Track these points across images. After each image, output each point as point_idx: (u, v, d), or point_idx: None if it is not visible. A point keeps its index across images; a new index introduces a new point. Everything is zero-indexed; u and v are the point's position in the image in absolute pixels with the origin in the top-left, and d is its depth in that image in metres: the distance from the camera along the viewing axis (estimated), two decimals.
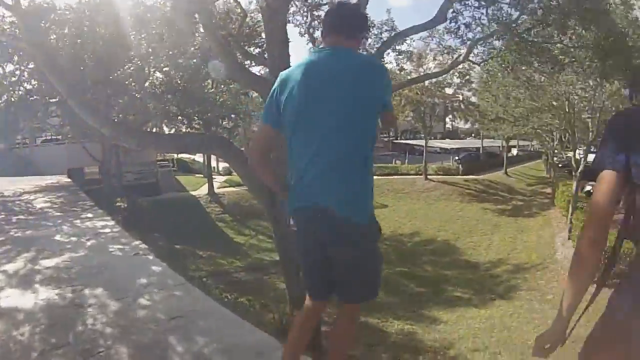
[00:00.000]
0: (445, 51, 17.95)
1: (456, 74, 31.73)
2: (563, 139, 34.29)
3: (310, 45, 16.40)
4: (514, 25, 13.47)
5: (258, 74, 9.09)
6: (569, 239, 21.76)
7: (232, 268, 15.42)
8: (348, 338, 2.97)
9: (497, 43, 15.37)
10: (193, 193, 27.94)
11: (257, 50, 17.37)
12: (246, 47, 15.78)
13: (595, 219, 1.77)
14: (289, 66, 3.05)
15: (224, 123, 27.39)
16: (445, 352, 11.48)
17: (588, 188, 30.89)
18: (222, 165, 33.25)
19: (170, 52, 17.27)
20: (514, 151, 56.00)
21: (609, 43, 13.21)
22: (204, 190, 30.27)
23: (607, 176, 1.69)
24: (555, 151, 34.68)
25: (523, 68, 17.82)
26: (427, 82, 34.86)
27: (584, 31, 13.24)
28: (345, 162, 2.37)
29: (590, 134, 22.99)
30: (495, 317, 14.37)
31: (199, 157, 41.41)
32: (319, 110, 2.38)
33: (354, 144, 2.39)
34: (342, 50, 2.51)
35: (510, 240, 24.69)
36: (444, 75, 33.55)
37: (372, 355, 10.67)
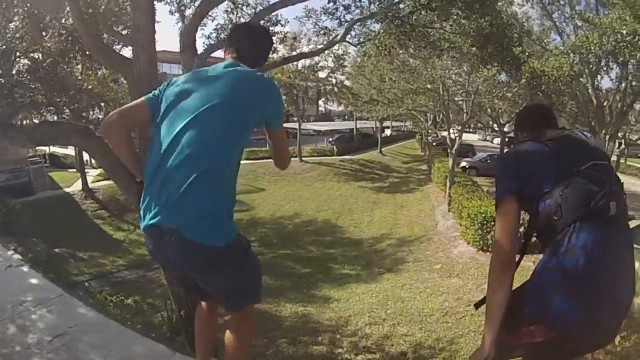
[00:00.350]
0: (322, 32, 17.19)
1: (331, 55, 31.64)
2: (437, 119, 35.53)
3: (181, 24, 14.85)
4: (395, 8, 13.06)
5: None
6: (448, 211, 22.19)
7: (114, 267, 14.19)
8: (242, 340, 2.74)
9: (376, 26, 15.08)
10: (67, 190, 25.40)
11: (127, 31, 15.71)
12: (114, 28, 14.05)
13: (499, 264, 2.18)
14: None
15: (93, 112, 25.70)
16: (343, 330, 10.85)
17: (463, 164, 32.32)
18: None
19: (34, 33, 15.45)
20: (388, 132, 57.63)
21: (490, 32, 13.30)
22: (78, 185, 27.53)
23: (510, 209, 2.22)
24: (430, 131, 35.82)
25: (401, 52, 17.70)
26: (300, 66, 34.63)
27: (466, 19, 13.07)
28: (197, 176, 2.09)
29: (465, 115, 23.61)
30: (387, 290, 13.97)
31: (70, 150, 38.51)
32: (186, 108, 2.22)
33: (213, 156, 2.15)
34: (238, 65, 2.40)
35: (391, 215, 24.72)
36: (317, 58, 33.62)
37: (270, 341, 9.74)
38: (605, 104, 14.27)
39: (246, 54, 2.49)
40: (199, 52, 9.78)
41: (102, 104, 24.11)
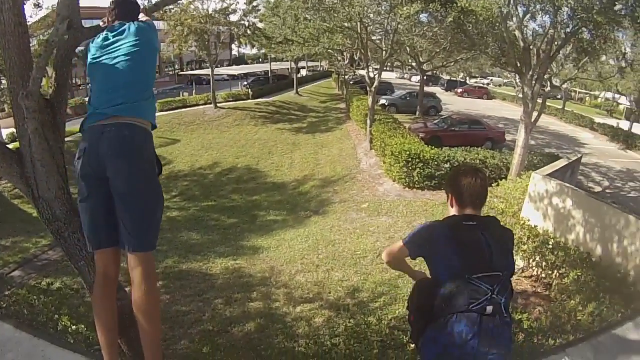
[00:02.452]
0: None
1: None
2: (355, 58, 35.08)
3: None
4: None
5: None
6: (370, 149, 22.07)
7: (39, 249, 13.06)
8: (152, 302, 2.72)
9: None
10: None
11: None
12: None
13: (389, 261, 3.16)
14: None
15: None
16: (277, 281, 10.61)
17: (383, 101, 32.30)
18: (6, 131, 28.28)
19: None
20: (303, 72, 56.88)
21: None
22: None
23: (402, 254, 2.96)
24: (347, 70, 35.47)
25: None
26: (211, 10, 33.04)
27: None
28: None
29: (384, 52, 23.11)
30: (316, 233, 13.75)
31: None
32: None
33: None
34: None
35: (312, 156, 24.40)
36: (229, 1, 32.36)
37: (205, 304, 9.51)
38: (531, 47, 14.23)
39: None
40: None
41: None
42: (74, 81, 46.34)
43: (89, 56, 3.22)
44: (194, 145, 28.46)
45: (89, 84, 3.28)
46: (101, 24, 3.56)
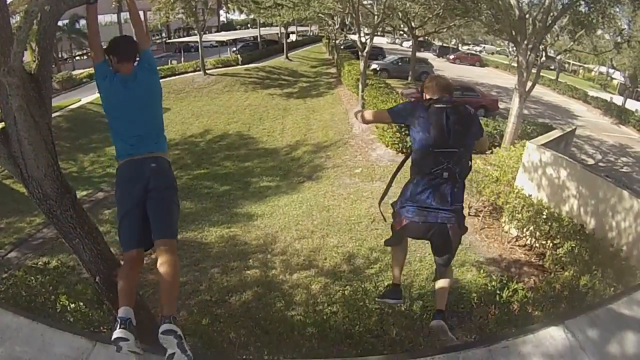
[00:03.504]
0: None
1: None
2: (346, 22, 34.64)
3: None
4: None
5: None
6: None
7: (33, 228, 13.01)
8: (175, 269, 3.40)
9: None
10: None
11: None
12: None
13: (368, 119, 4.10)
14: None
15: None
16: (272, 248, 10.62)
17: (374, 66, 31.98)
18: None
19: None
20: (293, 37, 56.10)
21: None
22: None
23: (387, 116, 3.81)
24: (337, 34, 35.08)
25: None
26: None
27: None
28: None
29: (376, 17, 22.76)
30: (310, 199, 13.74)
31: None
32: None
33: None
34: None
35: (303, 121, 24.19)
36: None
37: (201, 274, 9.51)
38: (527, 16, 14.00)
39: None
40: None
41: None
42: (59, 55, 45.56)
43: (103, 90, 3.66)
44: (184, 113, 28.08)
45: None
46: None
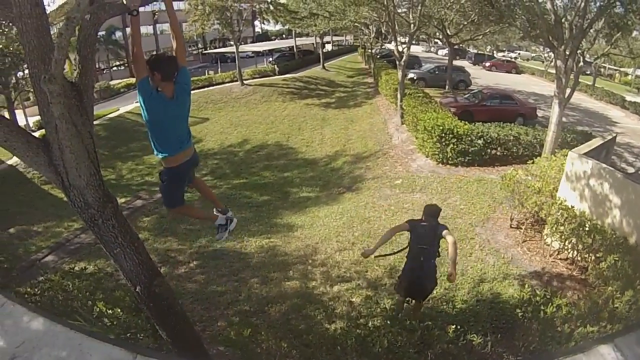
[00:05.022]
0: None
1: None
2: (381, 31, 34.53)
3: None
4: None
5: None
6: (402, 124, 21.71)
7: (70, 233, 13.17)
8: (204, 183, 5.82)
9: None
10: (9, 162, 23.19)
11: None
12: None
13: (391, 230, 6.72)
14: None
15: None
16: (314, 259, 10.47)
17: (411, 75, 31.80)
18: (32, 119, 28.64)
19: None
20: (329, 47, 56.23)
21: None
22: None
23: (404, 225, 6.67)
24: (373, 43, 34.98)
25: None
26: None
27: None
28: None
29: (412, 25, 22.56)
30: (350, 210, 13.56)
31: None
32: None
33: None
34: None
35: (342, 131, 24.10)
36: None
37: (241, 284, 9.44)
38: (563, 20, 13.66)
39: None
40: None
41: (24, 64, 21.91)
42: (97, 65, 46.69)
43: (147, 105, 4.20)
44: (223, 123, 28.35)
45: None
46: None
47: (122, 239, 4.22)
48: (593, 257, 8.44)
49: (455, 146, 15.84)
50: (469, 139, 15.88)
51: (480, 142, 15.90)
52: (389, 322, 6.03)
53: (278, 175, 18.83)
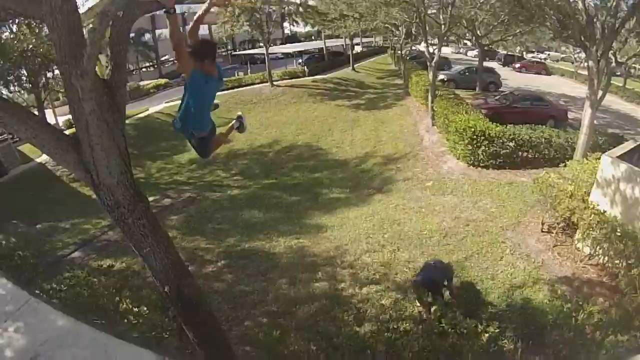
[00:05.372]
0: None
1: None
2: (411, 32, 34.23)
3: None
4: None
5: None
6: (432, 125, 21.50)
7: (98, 230, 13.40)
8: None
9: None
10: (39, 160, 23.65)
11: None
12: None
13: None
14: None
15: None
16: (343, 261, 10.39)
17: (441, 77, 31.50)
18: (62, 119, 29.18)
19: None
20: (358, 48, 56.04)
21: None
22: None
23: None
24: (403, 45, 34.69)
25: None
26: None
27: None
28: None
29: (443, 26, 22.34)
30: (380, 212, 13.44)
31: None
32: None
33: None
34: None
35: (372, 133, 23.92)
36: None
37: (269, 284, 9.45)
38: (595, 20, 13.30)
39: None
40: None
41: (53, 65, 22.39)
42: (127, 67, 47.50)
43: (201, 89, 4.36)
44: (253, 123, 28.32)
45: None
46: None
47: (152, 238, 4.21)
48: (624, 264, 8.23)
49: (486, 148, 15.63)
50: (501, 141, 15.67)
51: (511, 144, 15.67)
52: (421, 326, 5.93)
53: (308, 176, 18.80)
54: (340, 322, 7.81)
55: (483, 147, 15.63)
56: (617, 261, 8.55)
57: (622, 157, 9.55)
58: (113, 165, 3.80)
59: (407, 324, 6.51)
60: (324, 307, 8.42)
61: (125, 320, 5.14)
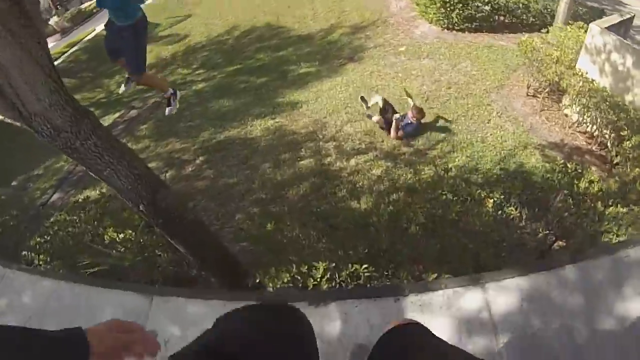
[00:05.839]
0: None
1: None
2: None
3: None
4: None
5: None
6: None
7: (71, 164, 12.62)
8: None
9: None
10: None
11: None
12: None
13: None
14: None
15: None
16: (324, 134, 10.06)
17: None
18: None
19: None
20: None
21: None
22: None
23: None
24: None
25: None
26: None
27: None
28: None
29: None
30: (355, 81, 12.97)
31: None
32: None
33: None
34: None
35: (335, 4, 22.53)
36: None
37: (252, 171, 9.19)
38: None
39: None
40: None
41: None
42: None
43: None
44: (207, 15, 26.64)
45: None
46: None
47: (109, 156, 3.49)
48: (614, 135, 8.26)
49: (460, 11, 14.95)
50: (476, 4, 14.99)
51: (487, 8, 15.00)
52: (416, 196, 5.57)
53: (272, 55, 17.94)
54: (334, 198, 7.58)
55: (457, 11, 14.93)
56: (605, 131, 8.56)
57: (610, 29, 9.43)
58: (38, 86, 2.95)
59: (401, 194, 6.24)
60: (314, 185, 8.17)
61: (114, 251, 4.94)
